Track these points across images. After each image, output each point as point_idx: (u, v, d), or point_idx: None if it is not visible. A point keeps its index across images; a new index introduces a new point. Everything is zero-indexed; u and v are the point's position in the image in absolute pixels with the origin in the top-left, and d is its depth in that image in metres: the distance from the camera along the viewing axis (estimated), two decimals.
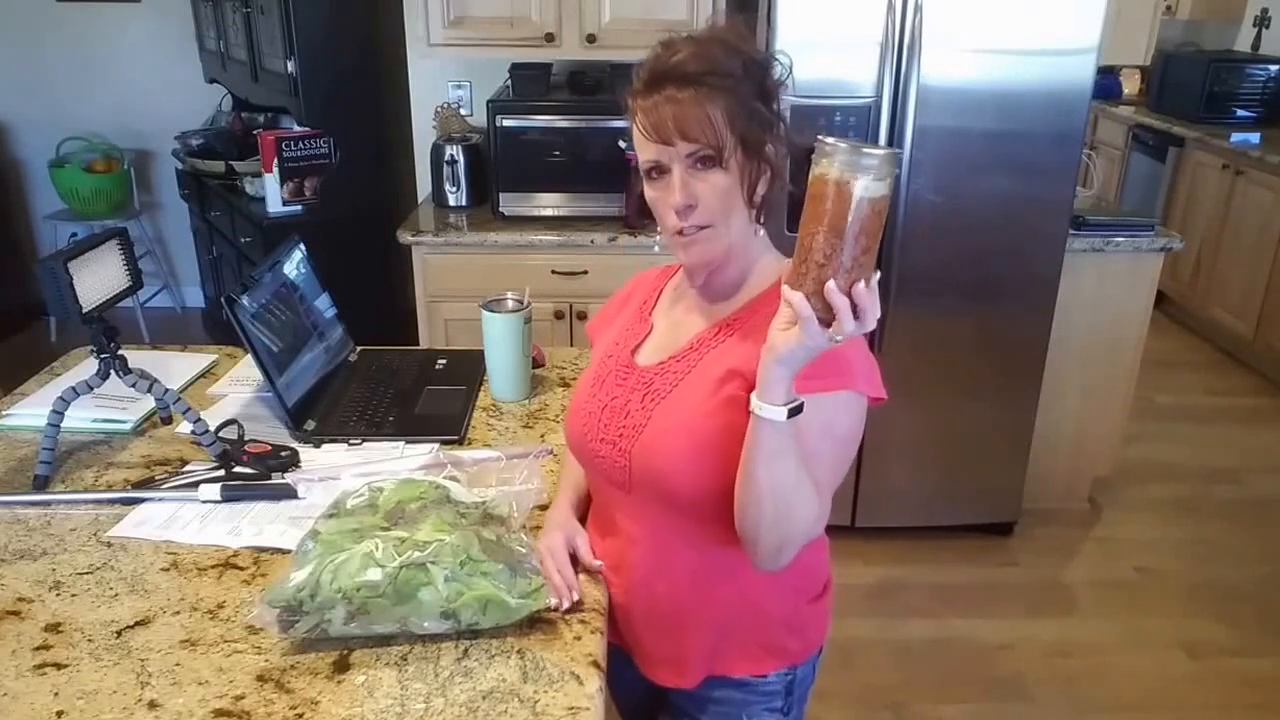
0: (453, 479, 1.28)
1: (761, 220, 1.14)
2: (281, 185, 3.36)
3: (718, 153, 1.06)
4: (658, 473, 1.13)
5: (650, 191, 1.12)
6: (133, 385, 1.45)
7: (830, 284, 0.87)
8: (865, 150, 0.86)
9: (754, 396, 0.97)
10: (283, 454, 1.46)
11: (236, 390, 1.74)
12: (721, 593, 1.18)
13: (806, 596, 1.25)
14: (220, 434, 1.46)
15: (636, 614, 1.23)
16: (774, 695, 1.24)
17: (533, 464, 1.42)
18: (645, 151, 1.09)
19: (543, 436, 1.58)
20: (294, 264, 1.75)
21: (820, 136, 0.89)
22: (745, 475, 1.02)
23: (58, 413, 1.44)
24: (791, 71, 1.12)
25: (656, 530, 1.18)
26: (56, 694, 1.02)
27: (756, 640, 1.22)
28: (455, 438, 1.57)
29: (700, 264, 1.13)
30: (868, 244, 0.88)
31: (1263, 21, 5.06)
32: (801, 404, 0.96)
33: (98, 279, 1.40)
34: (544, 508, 1.34)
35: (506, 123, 2.81)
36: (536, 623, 1.12)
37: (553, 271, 2.78)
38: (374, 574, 1.05)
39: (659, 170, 1.09)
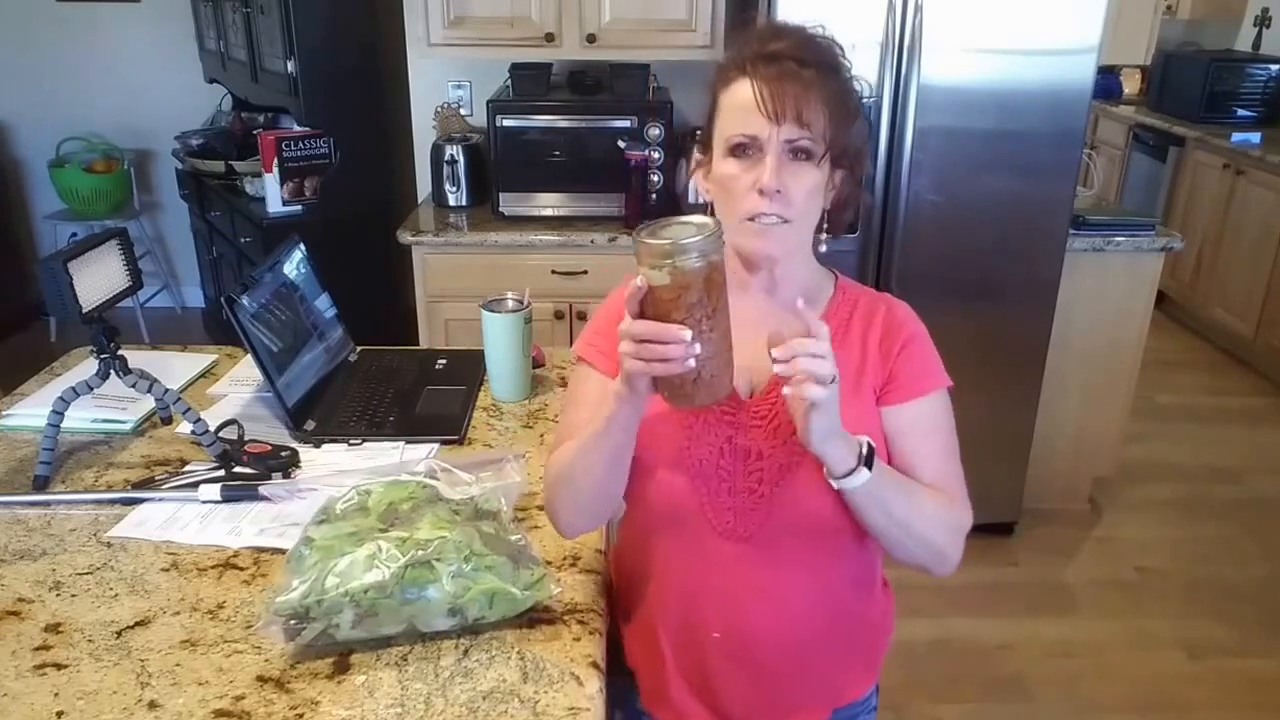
0: (433, 478, 1.28)
1: (832, 234, 1.11)
2: (281, 185, 3.36)
3: (825, 145, 1.03)
4: (808, 511, 1.07)
5: (728, 167, 1.04)
6: (133, 385, 1.45)
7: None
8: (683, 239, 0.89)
9: (829, 479, 1.00)
10: (283, 454, 1.46)
11: (236, 390, 1.74)
12: (842, 617, 1.17)
13: (888, 596, 1.26)
14: (220, 434, 1.46)
15: (750, 673, 1.15)
16: (873, 710, 1.26)
17: (514, 463, 1.38)
18: (745, 124, 1.02)
19: (542, 437, 1.58)
20: (294, 264, 1.75)
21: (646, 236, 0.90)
22: (873, 528, 1.04)
23: (58, 413, 1.44)
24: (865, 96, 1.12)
25: (784, 574, 1.11)
26: (56, 694, 1.01)
27: (864, 659, 1.23)
28: (455, 438, 1.57)
29: (765, 255, 1.07)
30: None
31: (1263, 21, 5.05)
32: (871, 446, 0.99)
33: (98, 279, 1.40)
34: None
35: (506, 123, 2.81)
36: (537, 623, 1.12)
37: (553, 271, 2.78)
38: (380, 575, 1.05)
39: (751, 147, 1.03)
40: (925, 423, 1.09)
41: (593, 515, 1.14)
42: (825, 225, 1.10)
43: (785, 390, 0.93)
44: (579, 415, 1.12)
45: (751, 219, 1.03)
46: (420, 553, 1.07)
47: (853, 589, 1.17)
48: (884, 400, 1.09)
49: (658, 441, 1.10)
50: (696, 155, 1.13)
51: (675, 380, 0.92)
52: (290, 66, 3.31)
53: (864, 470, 0.98)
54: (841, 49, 1.08)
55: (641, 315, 0.91)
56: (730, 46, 1.09)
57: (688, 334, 0.88)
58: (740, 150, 1.03)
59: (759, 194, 1.02)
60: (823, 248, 1.12)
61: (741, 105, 1.02)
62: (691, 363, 0.90)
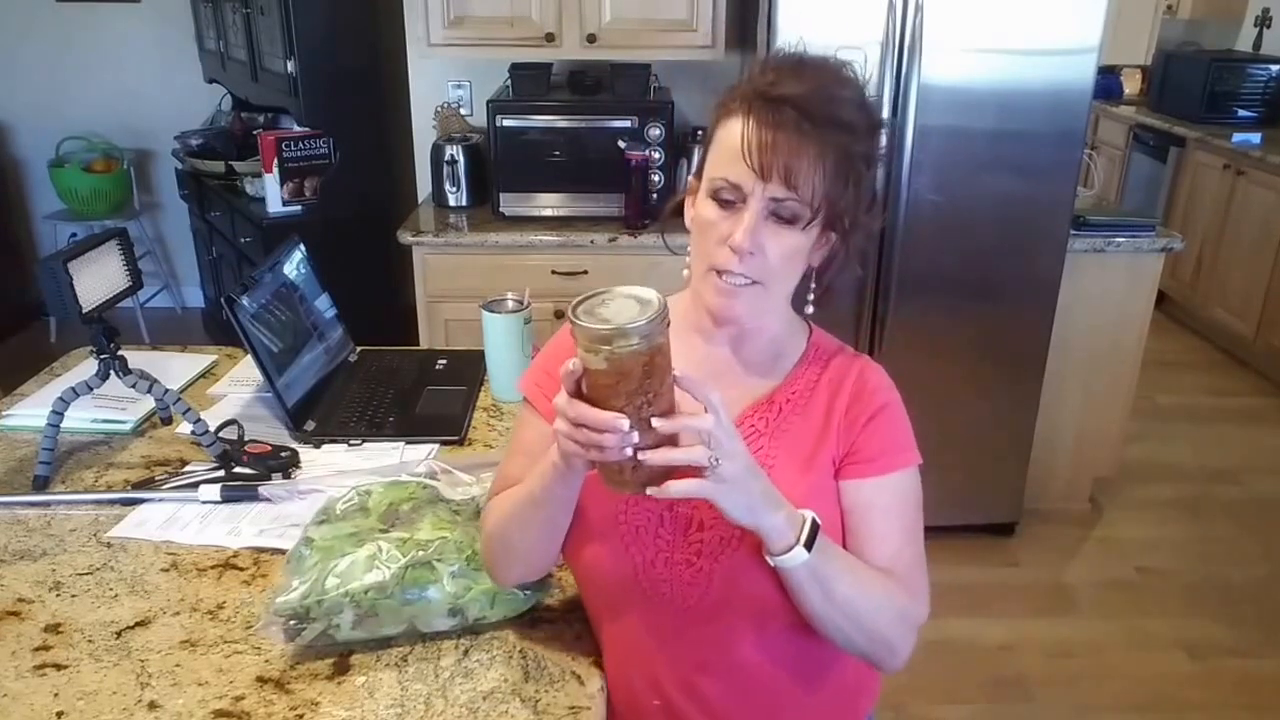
0: (434, 478, 1.29)
1: (819, 304, 1.03)
2: (281, 185, 3.36)
3: (813, 211, 0.92)
4: (750, 587, 0.98)
5: (708, 210, 0.95)
6: (133, 386, 1.45)
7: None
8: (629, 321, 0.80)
9: (767, 557, 0.91)
10: (283, 454, 1.46)
11: (236, 390, 1.74)
12: (804, 693, 1.07)
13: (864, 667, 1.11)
14: (220, 434, 1.46)
15: None
16: None
17: None
18: (730, 170, 0.93)
19: None
20: (294, 264, 1.75)
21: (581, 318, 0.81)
22: (811, 612, 0.94)
23: (57, 413, 1.44)
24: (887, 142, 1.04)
25: (731, 650, 1.02)
26: (56, 694, 1.01)
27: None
28: (455, 438, 1.57)
29: (729, 316, 0.98)
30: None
31: (1264, 21, 5.05)
32: (815, 522, 0.91)
33: (98, 279, 1.40)
34: None
35: (506, 123, 2.81)
36: (538, 622, 1.12)
37: (553, 271, 2.78)
38: (380, 575, 1.05)
39: (734, 195, 0.93)
40: (885, 502, 1.01)
41: (530, 570, 1.08)
42: (812, 286, 1.02)
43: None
44: (517, 465, 1.05)
45: (719, 273, 0.95)
46: (421, 553, 1.07)
47: (815, 663, 1.06)
48: (843, 474, 1.01)
49: (593, 499, 1.00)
50: (690, 178, 1.03)
51: (614, 466, 0.85)
52: (290, 66, 3.31)
53: (801, 551, 0.89)
54: (867, 102, 0.96)
55: (578, 394, 0.83)
56: (748, 64, 1.00)
57: (625, 423, 0.81)
58: (723, 195, 0.94)
59: (731, 250, 0.93)
60: (809, 309, 1.04)
61: (732, 148, 0.92)
62: (629, 451, 0.83)
